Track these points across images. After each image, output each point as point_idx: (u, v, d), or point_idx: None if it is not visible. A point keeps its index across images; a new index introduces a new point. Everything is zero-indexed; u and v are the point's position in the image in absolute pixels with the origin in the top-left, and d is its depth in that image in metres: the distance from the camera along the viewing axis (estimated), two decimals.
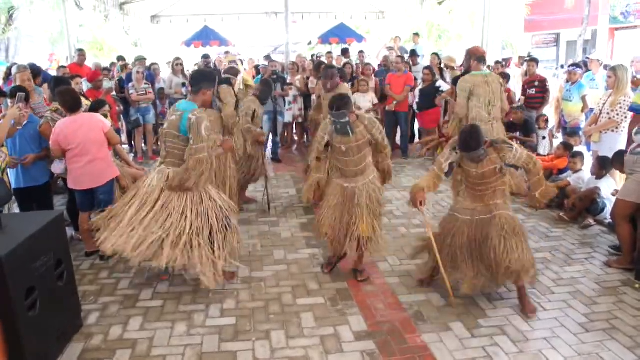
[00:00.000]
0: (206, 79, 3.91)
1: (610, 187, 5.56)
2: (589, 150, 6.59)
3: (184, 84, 9.30)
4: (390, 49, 12.80)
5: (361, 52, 11.89)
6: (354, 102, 8.59)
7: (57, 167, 4.90)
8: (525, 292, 3.81)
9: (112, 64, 11.26)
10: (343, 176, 4.17)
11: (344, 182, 4.15)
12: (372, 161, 4.21)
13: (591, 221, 5.48)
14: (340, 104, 3.91)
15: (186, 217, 3.80)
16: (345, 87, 6.20)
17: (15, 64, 8.58)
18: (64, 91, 4.68)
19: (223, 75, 6.37)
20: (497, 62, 9.78)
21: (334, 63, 10.97)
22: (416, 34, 14.77)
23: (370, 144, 4.12)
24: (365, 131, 4.02)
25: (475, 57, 6.01)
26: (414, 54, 10.68)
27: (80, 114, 4.66)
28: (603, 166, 5.53)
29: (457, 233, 3.87)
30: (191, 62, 13.41)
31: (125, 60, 10.96)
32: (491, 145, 3.74)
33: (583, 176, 5.95)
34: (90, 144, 4.55)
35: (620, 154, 4.98)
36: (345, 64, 10.07)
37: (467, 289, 3.79)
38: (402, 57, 9.64)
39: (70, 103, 4.59)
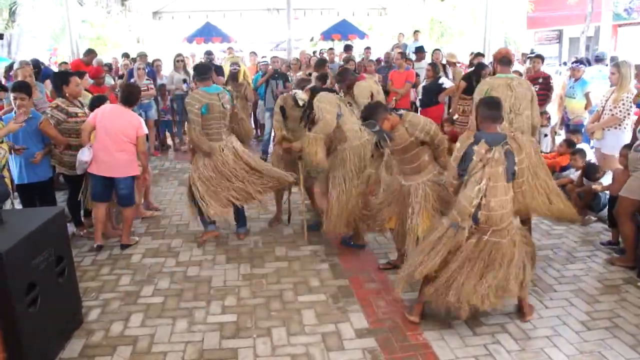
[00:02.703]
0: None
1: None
2: (591, 147, 6.56)
3: (185, 80, 9.28)
4: (397, 46, 12.77)
5: (368, 48, 11.85)
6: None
7: (85, 155, 4.78)
8: None
9: (114, 59, 11.22)
10: (401, 173, 4.08)
11: (402, 179, 4.07)
12: (431, 159, 3.97)
13: (592, 218, 5.46)
14: (367, 114, 3.86)
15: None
16: (363, 86, 5.46)
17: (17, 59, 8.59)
18: (130, 85, 5.42)
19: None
20: None
21: (336, 59, 10.96)
22: (417, 31, 14.72)
23: (423, 142, 3.88)
24: (406, 133, 3.81)
25: (497, 59, 5.21)
26: (420, 50, 10.60)
27: (127, 109, 4.87)
28: (590, 173, 5.57)
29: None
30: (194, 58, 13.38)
31: (129, 57, 10.95)
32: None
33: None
34: (122, 136, 4.75)
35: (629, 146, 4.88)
36: (348, 60, 10.04)
37: None
38: (403, 54, 9.59)
39: (126, 97, 4.92)
